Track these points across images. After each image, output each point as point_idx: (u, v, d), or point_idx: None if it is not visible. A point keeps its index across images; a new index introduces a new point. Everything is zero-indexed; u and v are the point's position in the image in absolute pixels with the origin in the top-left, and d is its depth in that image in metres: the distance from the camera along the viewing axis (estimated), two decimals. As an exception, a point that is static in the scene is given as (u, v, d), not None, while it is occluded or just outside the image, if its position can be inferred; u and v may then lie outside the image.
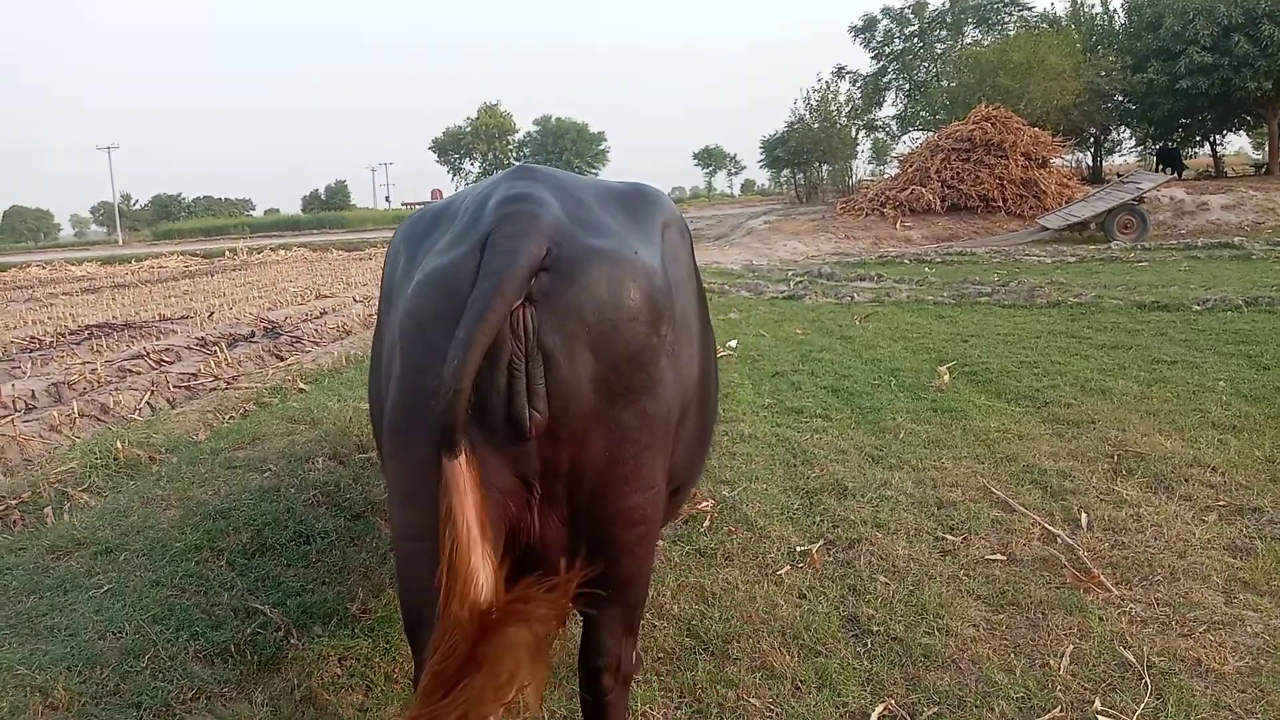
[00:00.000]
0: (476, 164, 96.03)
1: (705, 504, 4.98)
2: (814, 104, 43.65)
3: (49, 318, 17.95)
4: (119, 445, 5.80)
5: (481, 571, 1.92)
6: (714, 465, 5.74)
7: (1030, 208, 26.31)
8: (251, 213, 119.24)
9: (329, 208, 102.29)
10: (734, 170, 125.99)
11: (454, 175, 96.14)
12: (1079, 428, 6.13)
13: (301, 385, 7.78)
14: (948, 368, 7.99)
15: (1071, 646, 3.37)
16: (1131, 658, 3.24)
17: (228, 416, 7.13)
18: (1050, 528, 4.49)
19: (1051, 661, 3.27)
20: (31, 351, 12.83)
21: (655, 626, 3.70)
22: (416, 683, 2.16)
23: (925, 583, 3.97)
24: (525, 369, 2.02)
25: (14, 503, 5.04)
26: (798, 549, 4.38)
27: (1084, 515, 4.62)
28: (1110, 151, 46.47)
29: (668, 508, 2.68)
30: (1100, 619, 3.55)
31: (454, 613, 1.90)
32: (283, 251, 41.43)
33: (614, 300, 2.11)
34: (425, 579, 2.01)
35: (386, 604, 3.55)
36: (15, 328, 16.53)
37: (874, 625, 3.61)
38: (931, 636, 3.51)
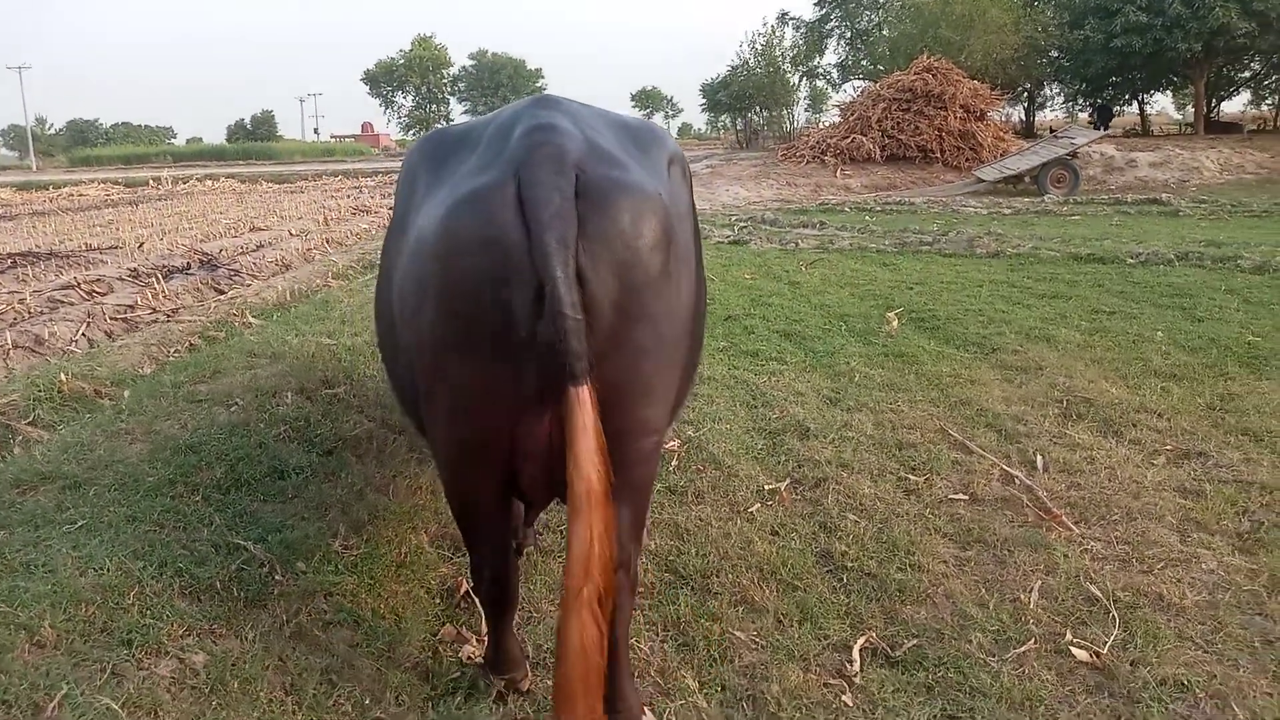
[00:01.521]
0: (409, 97, 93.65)
1: (672, 443, 5.01)
2: (758, 48, 43.37)
3: (-37, 245, 17.17)
4: (62, 378, 5.60)
5: (605, 487, 2.12)
6: (676, 406, 5.78)
7: (967, 160, 26.70)
8: (173, 141, 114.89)
9: (255, 138, 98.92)
10: (671, 113, 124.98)
11: (386, 108, 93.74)
12: (1027, 374, 6.30)
13: (250, 318, 7.58)
14: (896, 314, 8.12)
15: (1039, 582, 3.51)
16: (1098, 592, 3.39)
17: (172, 350, 6.94)
18: (1009, 469, 4.63)
19: (1021, 596, 3.40)
20: (-50, 279, 12.28)
21: (634, 562, 3.74)
22: (476, 587, 2.58)
23: (893, 521, 4.08)
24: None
25: (-44, 435, 4.87)
26: (766, 488, 4.46)
27: (1039, 458, 4.77)
28: (1041, 106, 47.28)
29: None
30: (1064, 556, 3.70)
31: (598, 524, 2.10)
32: (209, 182, 40.01)
33: (635, 230, 2.24)
34: (477, 487, 2.37)
35: (368, 540, 3.53)
36: (-73, 254, 15.79)
37: (848, 561, 3.71)
38: (904, 572, 3.61)
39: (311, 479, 3.84)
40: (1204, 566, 3.59)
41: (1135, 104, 43.60)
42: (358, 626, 3.06)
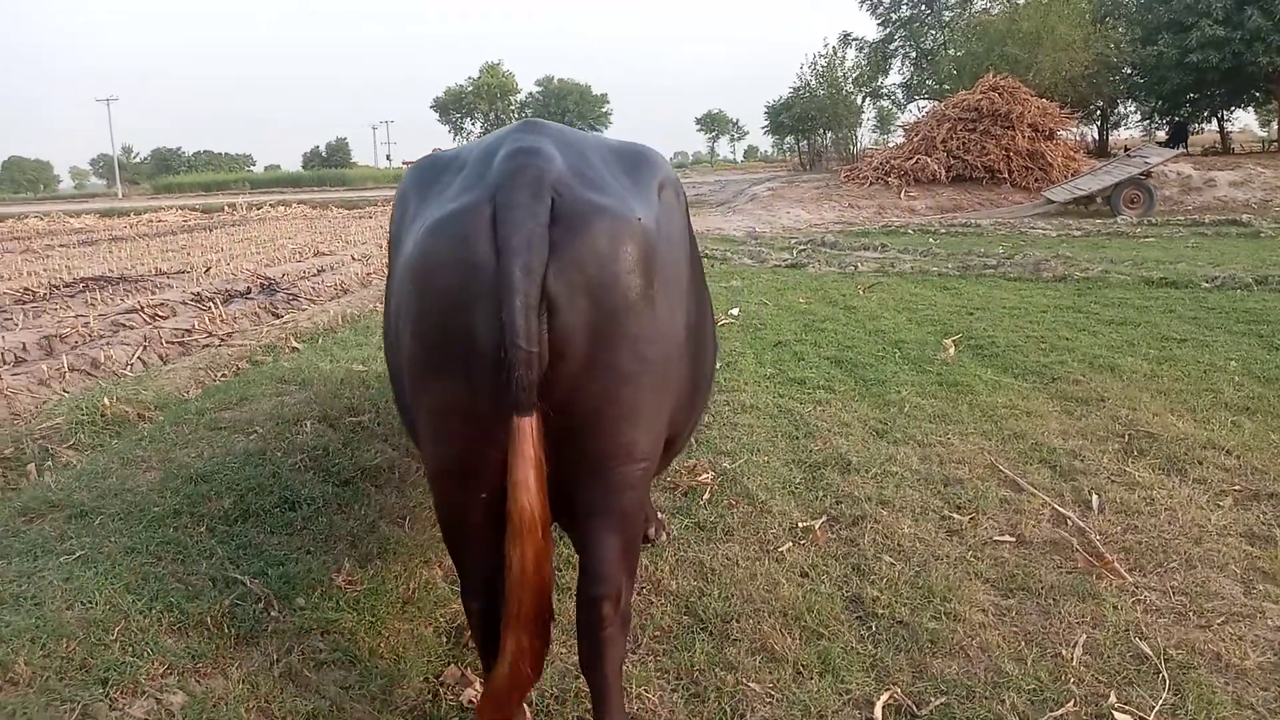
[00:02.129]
0: (478, 124, 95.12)
1: (705, 475, 4.84)
2: (820, 69, 43.10)
3: (44, 269, 17.70)
4: (106, 402, 5.64)
5: (543, 517, 2.14)
6: (715, 436, 5.61)
7: (1036, 180, 26.05)
8: (252, 168, 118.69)
9: (330, 165, 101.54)
10: (737, 136, 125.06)
11: (455, 134, 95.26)
12: (1088, 405, 5.99)
13: (295, 344, 7.61)
14: (953, 341, 7.84)
15: (1085, 636, 3.24)
16: (1148, 649, 3.11)
17: (219, 374, 6.99)
18: (1060, 509, 4.35)
19: (1064, 651, 3.14)
20: (25, 303, 12.64)
21: (652, 603, 3.57)
22: (467, 621, 2.46)
23: (931, 564, 3.84)
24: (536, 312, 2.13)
25: (-5, 459, 4.91)
26: (800, 525, 4.25)
27: (1095, 497, 4.49)
28: (1116, 125, 46.02)
29: (666, 459, 2.93)
30: (1114, 607, 3.43)
31: (530, 551, 2.13)
32: (282, 208, 41.06)
33: (611, 254, 2.23)
34: (460, 507, 2.32)
35: (374, 575, 3.41)
36: (9, 279, 16.30)
37: (879, 608, 3.49)
38: (939, 621, 3.38)
39: (323, 510, 3.75)
40: (1270, 623, 3.28)
41: (1215, 121, 42.16)
42: (353, 667, 2.92)
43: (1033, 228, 18.62)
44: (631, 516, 2.47)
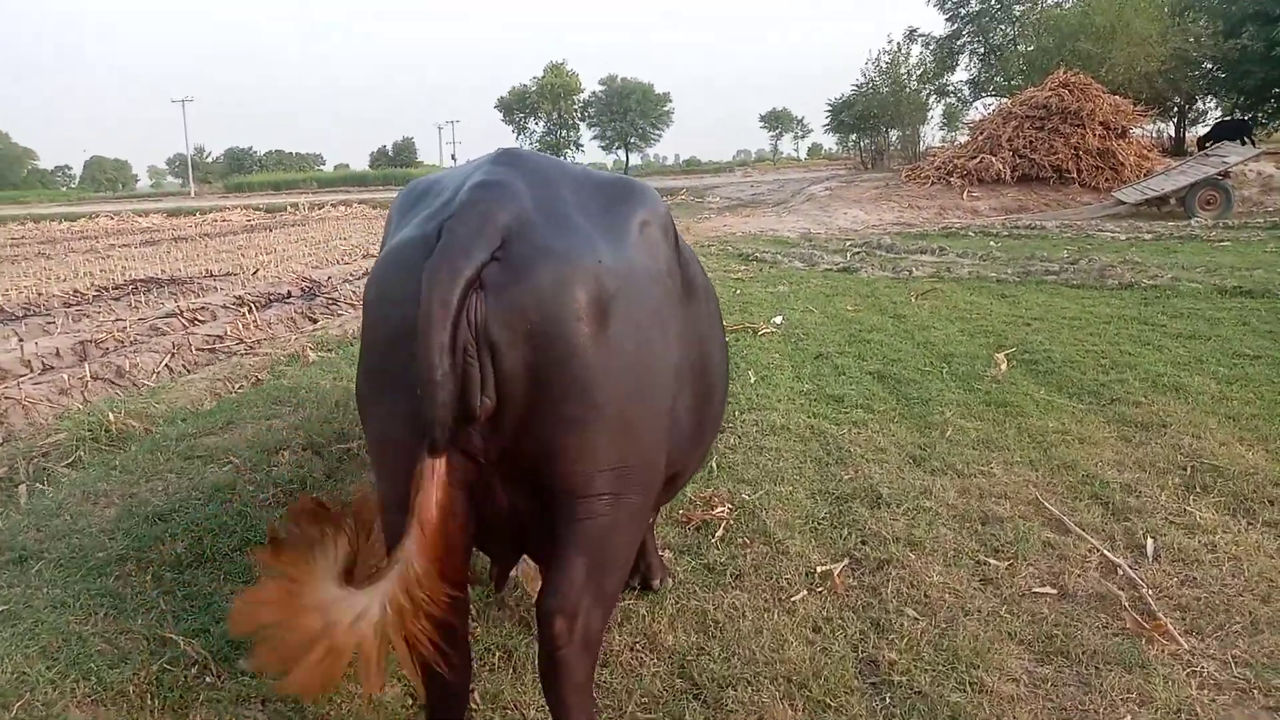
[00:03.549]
0: (541, 123, 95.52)
1: (721, 509, 4.50)
2: (883, 66, 42.22)
3: (101, 270, 17.95)
4: (111, 417, 5.49)
5: (448, 559, 2.10)
6: (738, 461, 5.26)
7: (1106, 180, 25.06)
8: (321, 168, 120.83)
9: (396, 164, 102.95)
10: (801, 134, 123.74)
11: (519, 134, 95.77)
12: (1148, 431, 5.51)
13: (313, 355, 7.42)
14: (1006, 354, 7.38)
15: (1128, 717, 2.84)
16: (1202, 739, 2.71)
17: (237, 385, 6.82)
18: (1111, 555, 3.93)
19: (1104, 737, 2.75)
20: (71, 306, 12.75)
21: (643, 662, 3.24)
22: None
23: (960, 620, 3.45)
24: (477, 357, 2.10)
25: (-10, 479, 4.76)
26: (818, 570, 3.88)
27: (1150, 541, 4.05)
28: (1195, 122, 44.30)
29: (666, 495, 2.98)
30: (1165, 680, 3.00)
31: (424, 591, 2.07)
32: (343, 208, 41.51)
33: (558, 301, 2.15)
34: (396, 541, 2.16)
35: None
36: (65, 280, 16.54)
37: (895, 673, 3.12)
38: (963, 692, 3.00)
39: (289, 553, 3.49)
40: (1350, 708, 2.85)
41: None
42: (295, 741, 2.65)
43: (1100, 230, 17.84)
44: (598, 541, 2.36)
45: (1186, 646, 3.22)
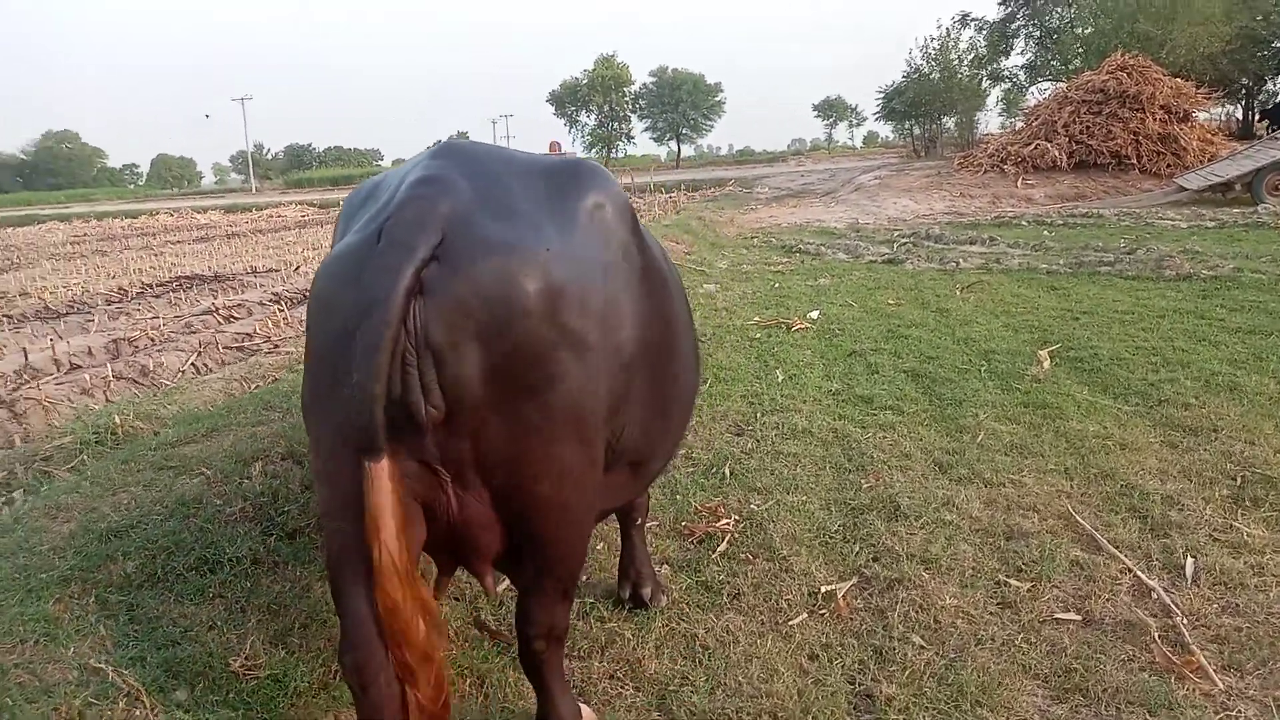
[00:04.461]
0: (592, 116, 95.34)
1: (726, 521, 4.25)
2: (932, 53, 41.27)
3: (151, 267, 18.18)
4: (117, 419, 5.41)
5: (400, 564, 2.01)
6: (752, 467, 5.01)
7: (1168, 166, 24.12)
8: (379, 163, 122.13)
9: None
10: (855, 122, 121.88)
11: (570, 127, 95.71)
12: (1197, 436, 5.14)
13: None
14: (1049, 352, 7.01)
15: (1150, 769, 2.55)
16: (1232, 800, 2.41)
17: (253, 385, 6.73)
18: (1144, 577, 3.61)
19: (1119, 793, 2.47)
20: (113, 303, 12.88)
21: (621, 694, 3.02)
22: (341, 646, 2.19)
23: (971, 650, 3.17)
24: (417, 362, 2.02)
25: (-12, 483, 4.70)
26: (822, 589, 3.62)
27: (1190, 561, 3.72)
28: (1266, 104, 42.63)
29: (632, 484, 2.84)
30: (1194, 727, 2.71)
31: (383, 598, 2.02)
32: (394, 202, 41.72)
33: (503, 294, 2.07)
34: (341, 550, 2.14)
35: (284, 657, 2.91)
36: (115, 277, 16.77)
37: (892, 710, 2.85)
38: (965, 735, 2.73)
39: (251, 571, 3.28)
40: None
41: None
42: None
43: (1161, 218, 17.13)
44: (559, 562, 2.43)
45: (1221, 686, 2.91)
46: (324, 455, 2.24)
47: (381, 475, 1.99)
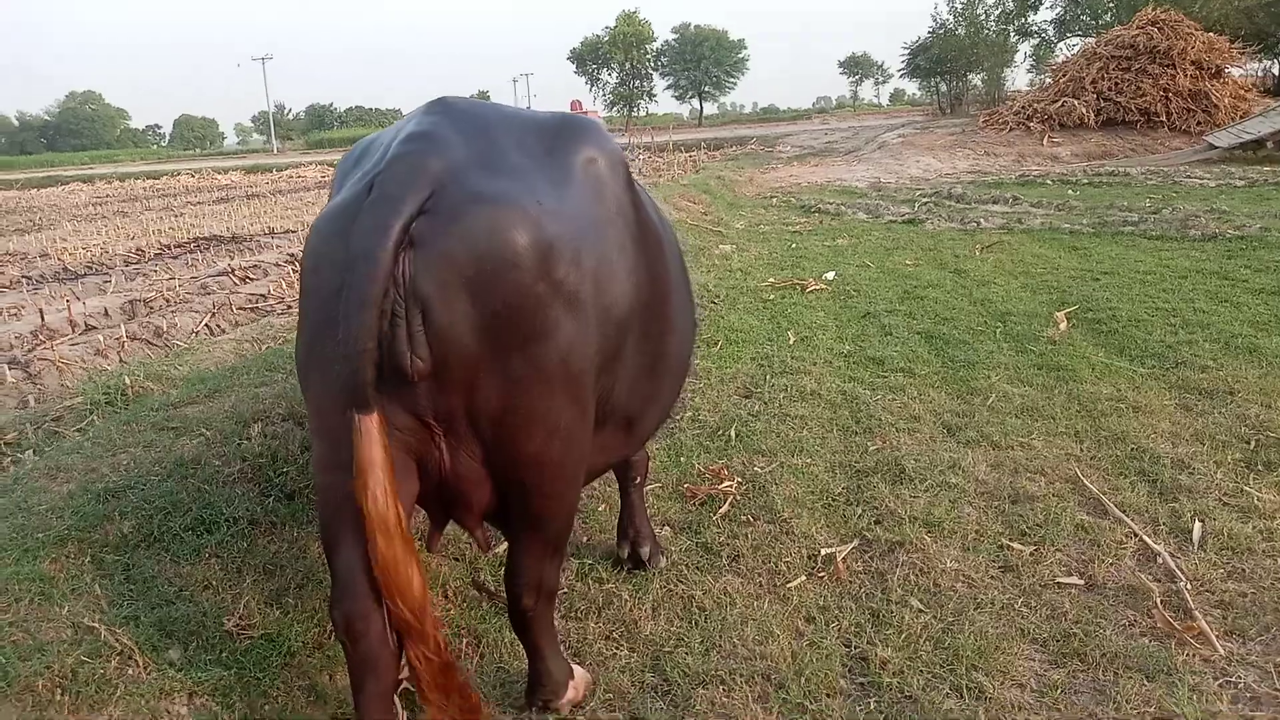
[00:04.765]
0: (614, 74, 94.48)
1: (728, 484, 4.23)
2: (959, 8, 40.51)
3: (170, 228, 18.23)
4: (127, 380, 5.44)
5: (394, 515, 2.03)
6: (759, 429, 4.98)
7: (1199, 123, 23.64)
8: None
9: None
10: (881, 79, 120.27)
11: (591, 86, 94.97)
12: (1213, 399, 5.05)
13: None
14: (1067, 313, 6.90)
15: (1144, 736, 2.52)
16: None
17: (264, 346, 6.75)
18: (1150, 540, 3.56)
19: (1112, 759, 2.44)
20: (130, 264, 12.95)
21: (616, 655, 3.01)
22: (332, 600, 2.21)
23: (969, 613, 3.14)
24: (405, 315, 2.02)
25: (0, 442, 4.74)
26: (822, 552, 3.60)
27: (1197, 525, 3.66)
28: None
29: (625, 442, 2.84)
30: (1194, 692, 2.66)
31: (375, 552, 2.04)
32: (413, 162, 41.64)
33: (493, 247, 2.06)
34: (334, 503, 2.16)
35: (279, 618, 2.94)
36: (135, 238, 16.85)
37: (886, 673, 2.84)
38: (959, 699, 2.71)
39: (247, 532, 3.29)
40: None
41: None
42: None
43: (1189, 177, 16.81)
44: (549, 518, 2.45)
45: (1222, 651, 2.86)
46: (317, 409, 2.26)
47: (371, 428, 2.00)
